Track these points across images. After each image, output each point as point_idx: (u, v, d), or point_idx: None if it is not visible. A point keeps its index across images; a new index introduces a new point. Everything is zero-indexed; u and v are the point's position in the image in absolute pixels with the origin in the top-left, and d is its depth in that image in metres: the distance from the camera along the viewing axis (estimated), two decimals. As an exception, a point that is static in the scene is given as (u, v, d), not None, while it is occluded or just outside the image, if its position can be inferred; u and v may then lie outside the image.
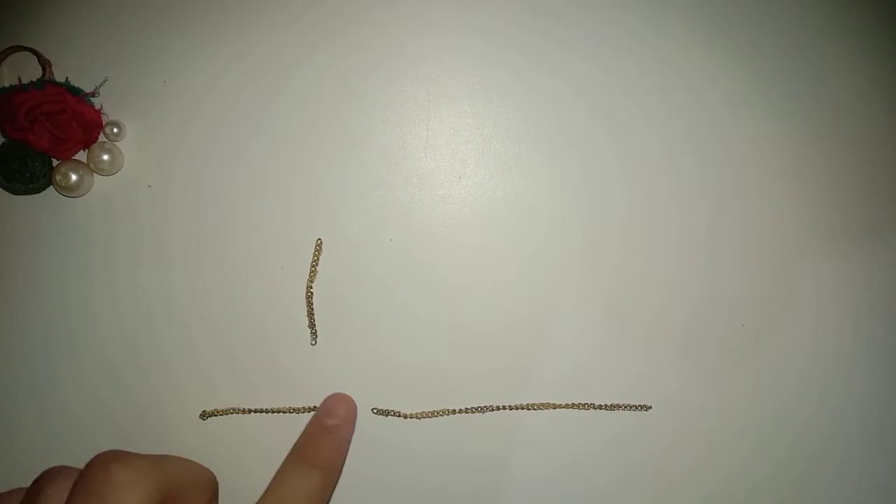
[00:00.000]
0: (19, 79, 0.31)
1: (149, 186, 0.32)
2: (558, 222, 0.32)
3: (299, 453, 0.30)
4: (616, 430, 0.32)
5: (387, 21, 0.32)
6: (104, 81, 0.31)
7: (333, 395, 0.32)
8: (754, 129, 0.33)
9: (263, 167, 0.32)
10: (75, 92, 0.31)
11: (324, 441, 0.30)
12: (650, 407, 0.32)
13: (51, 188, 0.31)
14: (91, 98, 0.31)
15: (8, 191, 0.31)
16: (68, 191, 0.31)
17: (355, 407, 0.32)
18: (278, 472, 0.29)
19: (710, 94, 0.33)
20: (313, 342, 0.32)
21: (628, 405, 0.32)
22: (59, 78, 0.31)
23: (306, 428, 0.30)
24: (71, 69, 0.31)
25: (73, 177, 0.31)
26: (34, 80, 0.30)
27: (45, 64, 0.31)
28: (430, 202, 0.32)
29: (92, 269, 0.32)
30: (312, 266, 0.32)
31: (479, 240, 0.32)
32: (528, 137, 0.32)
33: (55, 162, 0.31)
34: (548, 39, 0.32)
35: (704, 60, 0.33)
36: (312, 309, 0.32)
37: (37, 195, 0.31)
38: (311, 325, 0.32)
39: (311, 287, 0.32)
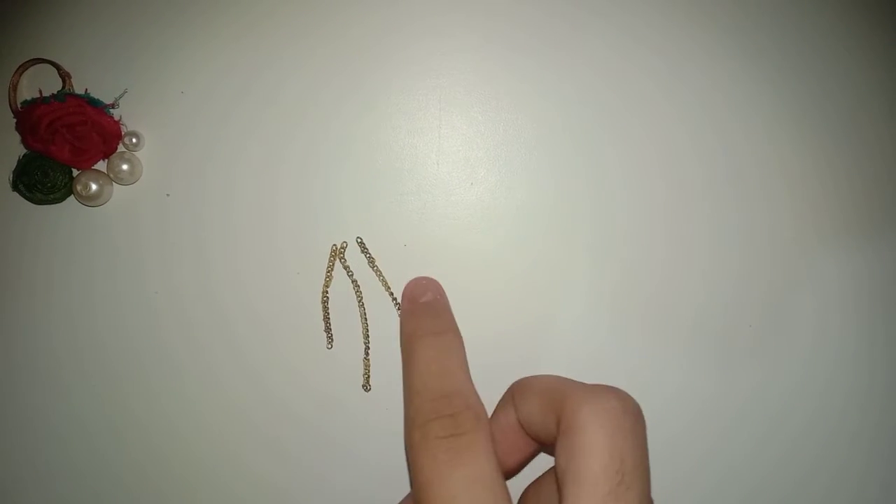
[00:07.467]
0: (40, 91, 0.31)
1: (167, 195, 0.32)
2: (568, 226, 0.33)
3: (413, 334, 0.27)
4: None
5: (397, 29, 0.33)
6: (123, 93, 0.32)
7: (409, 282, 0.31)
8: (758, 131, 0.33)
9: (279, 175, 0.32)
10: (95, 103, 0.31)
11: (430, 313, 0.28)
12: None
13: (71, 198, 0.32)
14: (110, 109, 0.32)
15: (30, 201, 0.32)
16: (88, 200, 0.32)
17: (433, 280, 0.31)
18: (405, 360, 0.26)
19: (718, 99, 0.33)
20: (329, 346, 0.33)
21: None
22: (79, 89, 0.32)
23: (403, 324, 0.29)
24: (89, 80, 0.32)
25: (94, 186, 0.31)
26: (55, 92, 0.31)
27: (64, 76, 0.32)
28: (443, 208, 0.33)
29: (112, 276, 0.32)
30: (328, 272, 0.32)
31: (491, 244, 0.33)
32: (538, 143, 0.33)
33: (76, 172, 0.32)
34: (558, 46, 0.33)
35: (711, 65, 0.33)
36: (328, 313, 0.33)
37: (58, 205, 0.32)
38: (327, 330, 0.33)
39: (327, 292, 0.33)
